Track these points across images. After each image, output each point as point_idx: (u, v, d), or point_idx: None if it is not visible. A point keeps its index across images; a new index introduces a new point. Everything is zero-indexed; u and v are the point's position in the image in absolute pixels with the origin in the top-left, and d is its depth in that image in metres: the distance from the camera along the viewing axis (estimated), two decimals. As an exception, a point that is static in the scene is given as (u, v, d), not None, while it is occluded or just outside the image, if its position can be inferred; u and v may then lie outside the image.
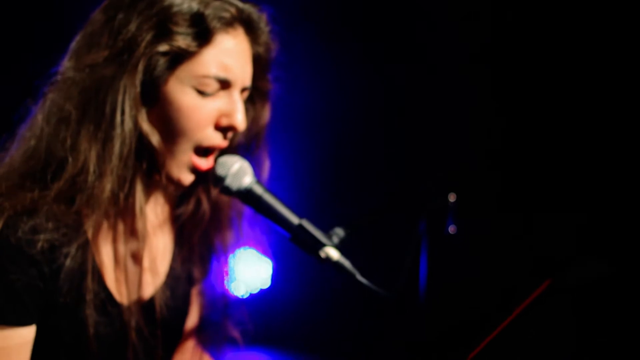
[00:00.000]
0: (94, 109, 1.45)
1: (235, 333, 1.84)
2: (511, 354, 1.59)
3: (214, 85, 1.51)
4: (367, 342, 4.39)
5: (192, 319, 1.86)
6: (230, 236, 1.78)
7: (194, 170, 1.56)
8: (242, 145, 1.71)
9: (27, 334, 1.46)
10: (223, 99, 1.54)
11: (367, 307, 4.16)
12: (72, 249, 1.46)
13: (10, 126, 1.56)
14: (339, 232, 1.60)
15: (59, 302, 1.47)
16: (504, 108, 3.86)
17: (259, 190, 1.59)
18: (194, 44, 1.47)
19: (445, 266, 3.23)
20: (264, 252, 4.40)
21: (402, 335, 3.93)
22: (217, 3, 1.50)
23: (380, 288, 1.57)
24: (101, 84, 1.45)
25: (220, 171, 1.59)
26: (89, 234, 1.51)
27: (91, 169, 1.44)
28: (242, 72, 1.55)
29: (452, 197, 2.91)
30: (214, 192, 1.72)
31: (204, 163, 1.56)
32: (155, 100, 1.49)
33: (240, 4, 1.55)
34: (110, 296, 1.56)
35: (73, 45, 1.54)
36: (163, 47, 1.45)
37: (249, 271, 4.67)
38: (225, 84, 1.53)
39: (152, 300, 1.65)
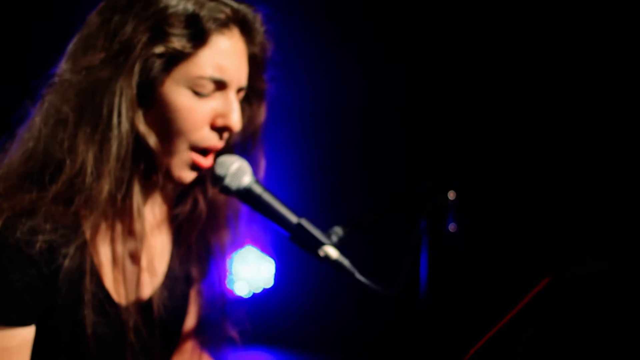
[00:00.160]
0: (90, 111, 1.45)
1: (234, 333, 1.83)
2: (510, 353, 1.58)
3: (210, 86, 1.50)
4: (370, 341, 4.39)
5: (191, 319, 1.85)
6: (227, 236, 1.78)
7: (194, 166, 1.55)
8: (239, 144, 1.70)
9: (27, 334, 1.46)
10: (219, 99, 1.53)
11: (370, 306, 4.16)
12: (71, 250, 1.46)
13: (9, 127, 1.56)
14: (337, 231, 1.60)
15: (58, 302, 1.47)
16: (504, 107, 3.85)
17: (258, 189, 1.58)
18: (189, 45, 1.46)
19: (446, 264, 3.22)
20: (266, 252, 4.39)
21: (403, 333, 3.93)
22: (212, 4, 1.49)
23: (379, 286, 1.55)
24: (98, 86, 1.45)
25: (219, 171, 1.58)
26: (87, 235, 1.50)
27: (89, 170, 1.43)
28: (237, 73, 1.54)
29: (451, 195, 2.90)
30: (211, 192, 1.72)
31: (204, 160, 1.55)
32: (152, 102, 1.49)
33: (236, 5, 1.54)
34: (109, 296, 1.55)
35: (70, 47, 1.53)
36: (158, 49, 1.45)
37: (252, 271, 4.67)
38: (221, 85, 1.52)
39: (150, 300, 1.64)
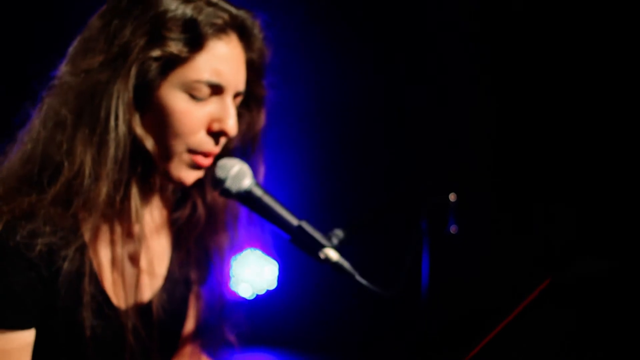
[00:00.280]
0: (89, 113, 1.45)
1: (232, 337, 1.82)
2: (511, 353, 1.57)
3: (206, 90, 1.49)
4: (373, 342, 4.38)
5: (190, 323, 1.84)
6: (226, 240, 1.77)
7: (194, 165, 1.54)
8: (238, 149, 1.70)
9: (27, 337, 1.45)
10: (215, 104, 1.52)
11: (373, 307, 4.15)
12: (70, 252, 1.46)
13: (11, 130, 1.56)
14: (338, 234, 1.59)
15: (57, 304, 1.47)
16: (505, 108, 3.84)
17: (258, 192, 1.58)
18: (185, 50, 1.45)
19: (447, 265, 3.21)
20: (269, 254, 4.38)
21: (405, 334, 3.92)
22: (210, 9, 1.49)
23: (380, 288, 1.55)
24: (96, 89, 1.44)
25: (220, 173, 1.58)
26: (86, 237, 1.50)
27: (87, 172, 1.43)
28: (234, 78, 1.54)
29: (452, 197, 2.89)
30: (210, 196, 1.71)
31: (204, 159, 1.54)
32: (149, 105, 1.49)
33: (234, 10, 1.53)
34: (107, 299, 1.55)
35: (71, 50, 1.53)
36: (155, 53, 1.44)
37: (255, 273, 4.67)
38: (217, 89, 1.51)
39: (149, 303, 1.64)
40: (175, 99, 1.48)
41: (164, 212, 1.72)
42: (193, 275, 1.79)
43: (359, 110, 4.36)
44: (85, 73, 1.45)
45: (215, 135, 1.54)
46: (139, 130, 1.48)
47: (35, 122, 1.50)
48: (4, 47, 3.76)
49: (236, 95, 1.57)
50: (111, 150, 1.43)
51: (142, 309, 1.61)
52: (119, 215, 1.51)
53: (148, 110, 1.49)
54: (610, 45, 3.54)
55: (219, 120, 1.53)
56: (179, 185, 1.58)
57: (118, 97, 1.43)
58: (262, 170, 1.70)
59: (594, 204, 3.46)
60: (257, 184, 1.59)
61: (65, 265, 1.45)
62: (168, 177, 1.55)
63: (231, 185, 1.57)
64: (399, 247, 2.43)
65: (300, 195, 3.19)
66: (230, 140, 1.64)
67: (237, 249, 1.81)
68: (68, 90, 1.47)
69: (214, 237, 1.76)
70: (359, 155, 4.43)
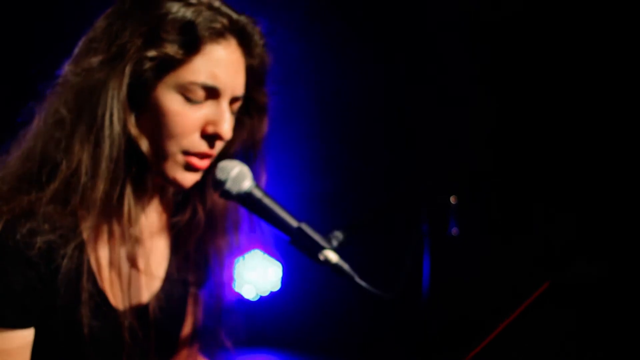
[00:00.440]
0: (87, 111, 1.45)
1: (230, 340, 1.81)
2: (511, 354, 1.56)
3: (201, 93, 1.49)
4: (376, 343, 4.37)
5: (189, 325, 1.83)
6: (226, 244, 1.76)
7: (189, 167, 1.54)
8: (240, 155, 1.69)
9: (27, 336, 1.45)
10: (211, 107, 1.52)
11: (376, 309, 4.14)
12: (69, 250, 1.46)
13: (15, 129, 1.57)
14: (338, 235, 1.58)
15: (56, 303, 1.46)
16: (506, 109, 3.83)
17: (258, 194, 1.57)
18: (181, 52, 1.45)
19: (448, 267, 3.20)
20: (273, 255, 4.37)
21: (408, 335, 3.90)
22: (209, 13, 1.48)
23: (379, 290, 1.54)
24: (94, 87, 1.45)
25: (220, 175, 1.57)
26: (85, 235, 1.50)
27: (83, 169, 1.43)
28: (231, 82, 1.52)
29: (453, 200, 2.88)
30: (210, 200, 1.71)
31: (199, 161, 1.54)
32: (144, 105, 1.48)
33: (235, 15, 1.53)
34: (105, 298, 1.54)
35: (75, 50, 1.54)
36: (151, 53, 1.44)
37: (259, 274, 4.67)
38: (213, 93, 1.50)
39: (147, 304, 1.63)
40: (170, 100, 1.47)
41: (164, 215, 1.72)
42: (192, 277, 1.78)
43: (359, 110, 4.36)
44: (86, 72, 1.46)
45: (209, 138, 1.53)
46: (134, 130, 1.48)
47: (36, 120, 1.51)
48: (10, 46, 3.77)
49: (234, 100, 1.56)
50: (106, 149, 1.44)
51: (140, 310, 1.60)
52: (117, 215, 1.51)
53: (143, 110, 1.49)
54: (610, 45, 3.52)
55: (214, 123, 1.52)
56: (176, 187, 1.58)
57: (113, 96, 1.43)
58: (264, 177, 1.69)
59: (594, 204, 3.44)
60: (257, 185, 1.58)
61: (64, 263, 1.45)
62: (164, 178, 1.54)
63: (231, 186, 1.56)
64: (399, 248, 2.42)
65: (300, 197, 3.18)
66: (231, 145, 1.64)
67: (238, 252, 1.80)
68: (68, 89, 1.48)
69: (213, 240, 1.75)
70: (359, 156, 4.43)
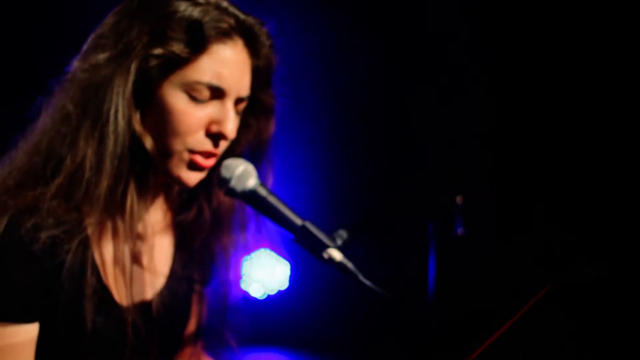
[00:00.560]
0: (93, 107, 1.45)
1: (234, 338, 1.81)
2: (514, 354, 1.55)
3: (206, 93, 1.48)
4: (383, 343, 4.36)
5: (193, 323, 1.83)
6: (231, 243, 1.75)
7: (193, 165, 1.53)
8: (246, 156, 1.68)
9: (31, 331, 1.45)
10: (216, 107, 1.51)
11: (383, 308, 4.13)
12: (73, 245, 1.45)
13: (24, 125, 1.57)
14: (342, 234, 1.57)
15: (60, 298, 1.46)
16: (511, 110, 3.82)
17: (263, 192, 1.56)
18: (187, 51, 1.45)
19: (453, 267, 3.19)
20: (281, 254, 4.36)
21: (415, 335, 3.89)
22: (217, 13, 1.48)
23: (383, 288, 1.53)
24: (101, 83, 1.45)
25: (225, 173, 1.56)
26: (89, 231, 1.50)
27: (88, 165, 1.43)
28: (237, 82, 1.52)
29: (459, 200, 2.87)
30: (216, 199, 1.70)
31: (204, 160, 1.53)
32: (149, 103, 1.48)
33: (242, 16, 1.52)
34: (109, 294, 1.54)
35: (84, 46, 1.54)
36: (157, 51, 1.44)
37: (267, 273, 4.66)
38: (218, 93, 1.50)
39: (150, 300, 1.62)
40: (175, 99, 1.47)
41: (169, 213, 1.71)
42: (197, 275, 1.78)
43: (363, 110, 4.35)
44: (93, 68, 1.46)
45: (214, 137, 1.53)
46: (139, 127, 1.47)
47: (43, 115, 1.51)
48: (19, 43, 3.79)
49: (239, 101, 1.55)
50: (110, 145, 1.43)
51: (144, 307, 1.59)
52: (121, 212, 1.50)
53: (148, 108, 1.48)
54: (610, 46, 3.50)
55: (218, 122, 1.51)
56: (181, 185, 1.57)
57: (118, 93, 1.43)
58: (270, 178, 1.69)
59: (594, 205, 3.43)
60: (262, 184, 1.57)
61: (69, 258, 1.44)
62: (168, 176, 1.54)
63: (236, 184, 1.55)
64: (404, 247, 2.41)
65: (304, 196, 3.17)
66: (237, 145, 1.63)
67: (245, 250, 1.79)
68: (76, 85, 1.48)
69: (219, 239, 1.74)
70: (364, 155, 4.42)
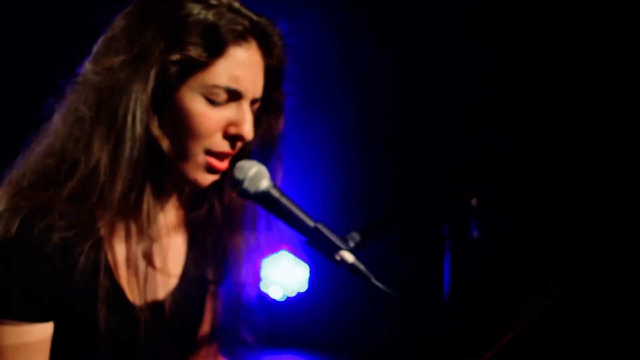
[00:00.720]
0: (107, 111, 1.44)
1: (250, 338, 1.80)
2: (526, 354, 1.53)
3: (224, 95, 1.48)
4: (401, 344, 4.34)
5: (207, 323, 1.82)
6: (243, 241, 1.74)
7: (210, 169, 1.53)
8: (257, 154, 1.67)
9: (46, 330, 1.45)
10: (233, 109, 1.51)
11: (402, 311, 4.12)
12: (86, 247, 1.45)
13: (36, 126, 1.57)
14: (354, 236, 1.56)
15: (73, 298, 1.46)
16: (526, 114, 3.79)
17: (275, 193, 1.55)
18: (205, 55, 1.44)
19: (469, 269, 3.16)
20: (301, 257, 4.35)
21: (431, 338, 3.87)
22: (231, 15, 1.47)
23: (395, 291, 1.52)
24: (116, 87, 1.44)
25: (238, 175, 1.55)
26: (102, 233, 1.49)
27: (102, 169, 1.42)
28: (253, 84, 1.52)
29: (474, 202, 2.86)
30: (227, 197, 1.69)
31: (219, 163, 1.53)
32: (167, 107, 1.48)
33: (255, 17, 1.52)
34: (123, 295, 1.54)
35: (95, 48, 1.53)
36: (175, 56, 1.43)
37: (286, 275, 4.65)
38: (235, 95, 1.49)
39: (163, 301, 1.62)
40: (193, 102, 1.46)
41: (180, 212, 1.70)
42: (210, 275, 1.77)
43: (379, 112, 4.34)
44: (107, 71, 1.45)
45: (231, 138, 1.52)
46: (156, 131, 1.46)
47: (56, 117, 1.51)
48: (29, 44, 3.81)
49: (254, 101, 1.55)
50: (127, 150, 1.43)
51: (157, 307, 1.59)
52: (134, 214, 1.50)
53: (166, 111, 1.48)
54: (611, 46, 3.46)
55: (236, 124, 1.51)
56: (195, 186, 1.56)
57: (136, 99, 1.42)
58: (280, 174, 1.68)
59: (594, 204, 3.39)
60: (275, 185, 1.56)
61: (81, 259, 1.44)
62: (184, 178, 1.53)
63: (249, 186, 1.54)
64: (419, 250, 2.39)
65: (317, 198, 3.16)
66: (248, 144, 1.62)
67: (260, 251, 1.79)
68: (89, 88, 1.47)
69: (231, 237, 1.73)
70: (378, 157, 4.40)
